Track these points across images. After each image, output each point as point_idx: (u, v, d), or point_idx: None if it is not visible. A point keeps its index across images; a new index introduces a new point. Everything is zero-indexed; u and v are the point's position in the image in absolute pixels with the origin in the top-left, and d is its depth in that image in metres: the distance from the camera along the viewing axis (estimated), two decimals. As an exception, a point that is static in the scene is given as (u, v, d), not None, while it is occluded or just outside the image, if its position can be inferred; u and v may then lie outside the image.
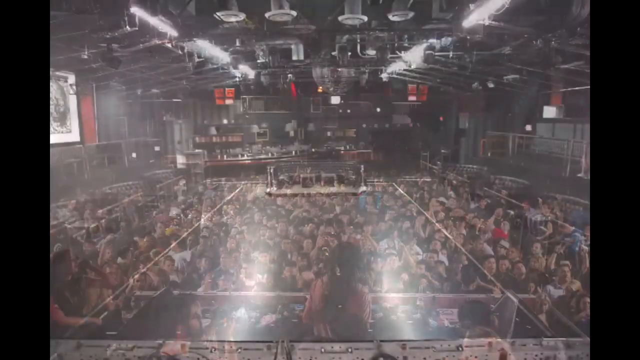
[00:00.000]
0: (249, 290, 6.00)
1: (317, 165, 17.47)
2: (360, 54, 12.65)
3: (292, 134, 24.35)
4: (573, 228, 8.44)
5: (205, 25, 8.56)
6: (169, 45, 9.43)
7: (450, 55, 11.60)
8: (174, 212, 10.84)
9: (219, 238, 8.27)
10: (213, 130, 23.11)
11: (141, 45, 9.06)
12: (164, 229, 9.06)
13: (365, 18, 7.99)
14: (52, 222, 8.55)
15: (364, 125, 25.26)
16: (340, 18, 7.96)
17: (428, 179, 15.32)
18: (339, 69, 14.92)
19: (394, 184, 14.47)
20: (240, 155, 21.46)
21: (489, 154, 18.03)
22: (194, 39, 9.18)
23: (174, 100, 20.05)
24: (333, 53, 12.56)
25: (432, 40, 10.20)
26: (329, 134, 25.32)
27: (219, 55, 11.35)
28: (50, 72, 11.88)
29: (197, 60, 11.15)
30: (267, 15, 7.55)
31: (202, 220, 10.05)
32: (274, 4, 7.35)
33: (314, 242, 7.71)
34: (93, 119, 15.29)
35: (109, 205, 11.15)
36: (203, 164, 18.39)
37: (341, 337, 2.85)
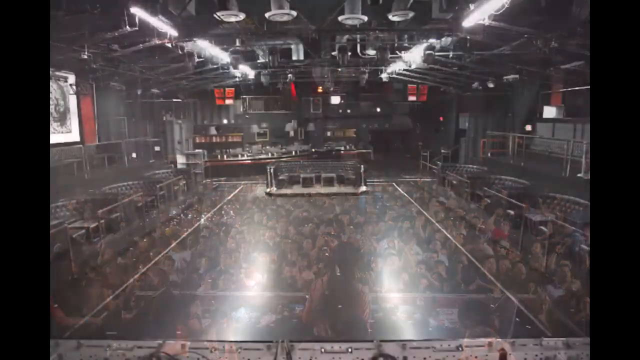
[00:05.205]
0: (249, 290, 6.01)
1: (317, 165, 17.54)
2: (360, 54, 12.65)
3: (292, 134, 24.30)
4: (573, 228, 8.44)
5: (205, 25, 8.56)
6: (169, 45, 9.43)
7: (450, 55, 11.60)
8: (174, 212, 10.84)
9: (219, 238, 8.28)
10: (213, 130, 23.11)
11: (141, 45, 9.07)
12: (163, 229, 9.07)
13: (365, 18, 7.98)
14: (52, 222, 8.54)
15: (364, 125, 25.25)
16: (340, 18, 7.96)
17: (428, 179, 15.31)
18: (339, 69, 14.92)
19: (394, 184, 14.47)
20: (240, 156, 21.44)
21: (489, 154, 18.01)
22: (194, 39, 9.18)
23: (174, 100, 20.04)
24: (333, 53, 12.56)
25: (432, 40, 10.21)
26: (329, 134, 25.30)
27: (219, 55, 11.34)
28: (50, 72, 11.87)
29: (197, 60, 11.15)
30: (267, 15, 7.54)
31: (202, 220, 10.05)
32: (274, 4, 7.35)
33: (314, 242, 7.72)
34: (93, 119, 15.27)
35: (109, 205, 11.14)
36: (203, 164, 18.37)
37: (341, 337, 2.85)
